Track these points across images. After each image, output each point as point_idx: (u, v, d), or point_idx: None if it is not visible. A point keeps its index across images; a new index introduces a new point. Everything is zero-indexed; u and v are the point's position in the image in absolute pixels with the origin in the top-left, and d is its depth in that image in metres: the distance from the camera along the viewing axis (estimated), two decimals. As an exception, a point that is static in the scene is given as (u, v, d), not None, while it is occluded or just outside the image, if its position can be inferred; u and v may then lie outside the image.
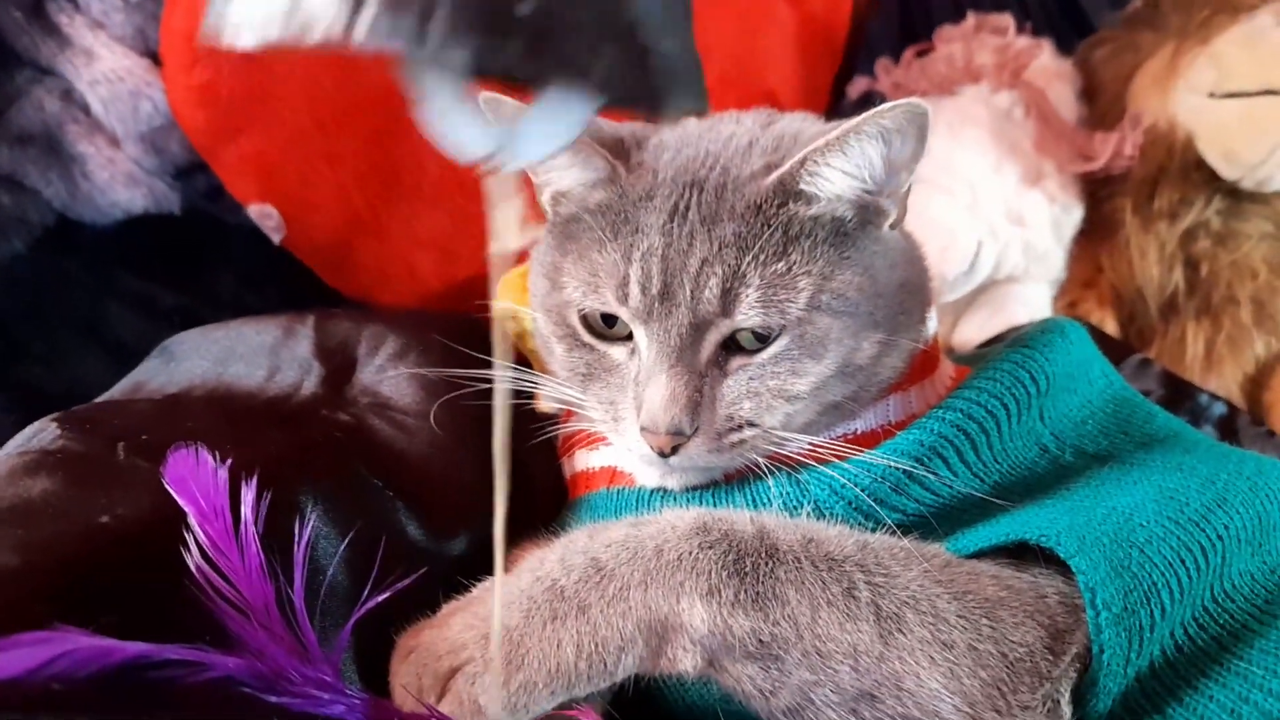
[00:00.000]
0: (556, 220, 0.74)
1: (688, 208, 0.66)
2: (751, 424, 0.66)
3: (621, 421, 0.68)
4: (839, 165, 0.65)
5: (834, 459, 0.66)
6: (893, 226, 0.72)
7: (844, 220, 0.67)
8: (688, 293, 0.65)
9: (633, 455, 0.70)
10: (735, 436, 0.66)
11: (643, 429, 0.65)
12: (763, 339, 0.66)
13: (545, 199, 0.75)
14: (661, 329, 0.65)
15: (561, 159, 0.70)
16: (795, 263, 0.65)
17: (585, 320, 0.70)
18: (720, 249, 0.65)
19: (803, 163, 0.65)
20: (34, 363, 0.99)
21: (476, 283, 1.05)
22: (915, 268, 0.75)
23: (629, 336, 0.69)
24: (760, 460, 0.67)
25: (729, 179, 0.67)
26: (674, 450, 0.65)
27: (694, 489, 0.70)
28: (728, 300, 0.65)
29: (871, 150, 0.65)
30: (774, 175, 0.66)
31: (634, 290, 0.66)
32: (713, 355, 0.66)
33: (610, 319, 0.69)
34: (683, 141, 0.71)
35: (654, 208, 0.67)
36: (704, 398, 0.65)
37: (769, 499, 0.67)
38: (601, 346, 0.70)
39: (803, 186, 0.66)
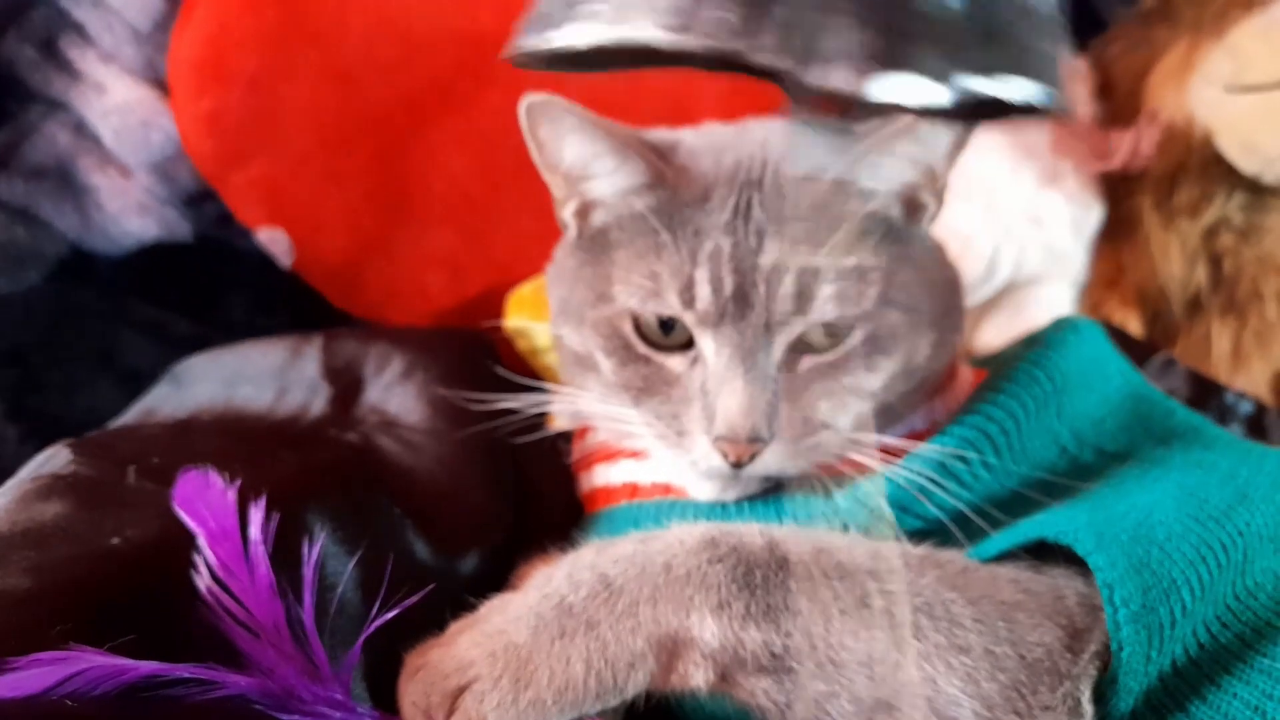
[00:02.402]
0: (586, 232, 0.73)
1: (749, 208, 0.66)
2: (826, 425, 0.66)
3: (687, 435, 0.67)
4: (905, 152, 0.66)
5: (867, 467, 0.65)
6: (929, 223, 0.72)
7: (893, 218, 0.68)
8: (761, 293, 0.64)
9: (696, 469, 0.68)
10: (812, 440, 0.65)
11: (719, 438, 0.64)
12: (833, 337, 0.66)
13: (568, 212, 0.74)
14: (734, 331, 0.65)
15: (607, 164, 0.69)
16: (863, 258, 0.65)
17: (639, 329, 0.69)
18: (791, 247, 0.64)
19: (868, 152, 0.65)
20: (50, 392, 1.00)
21: (487, 299, 1.05)
22: (951, 269, 0.75)
23: (686, 345, 0.68)
24: (837, 463, 0.66)
25: (784, 179, 0.67)
26: (751, 458, 0.64)
27: (742, 500, 0.69)
28: (803, 299, 0.64)
29: (941, 131, 0.65)
30: (835, 170, 0.65)
31: (702, 293, 0.65)
32: (783, 357, 0.66)
33: (667, 326, 0.68)
34: (717, 146, 0.71)
35: (713, 209, 0.67)
36: (779, 401, 0.65)
37: (798, 510, 0.66)
38: (658, 358, 0.69)
39: (864, 180, 0.66)
